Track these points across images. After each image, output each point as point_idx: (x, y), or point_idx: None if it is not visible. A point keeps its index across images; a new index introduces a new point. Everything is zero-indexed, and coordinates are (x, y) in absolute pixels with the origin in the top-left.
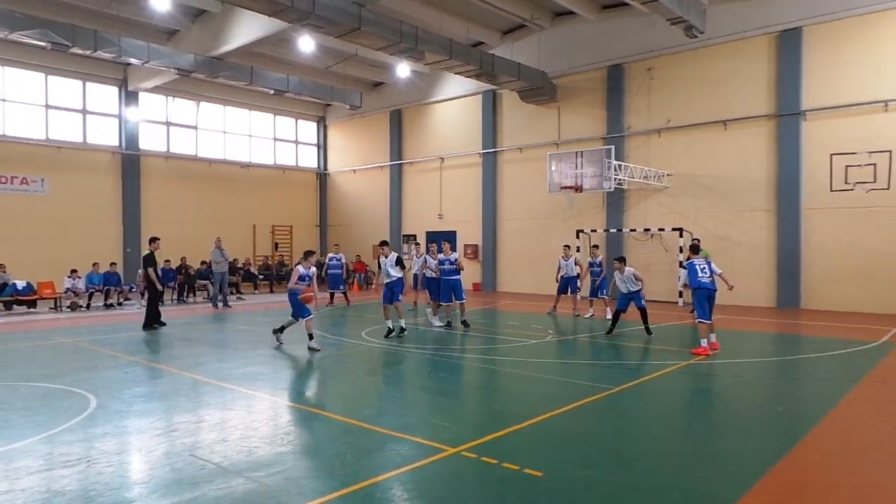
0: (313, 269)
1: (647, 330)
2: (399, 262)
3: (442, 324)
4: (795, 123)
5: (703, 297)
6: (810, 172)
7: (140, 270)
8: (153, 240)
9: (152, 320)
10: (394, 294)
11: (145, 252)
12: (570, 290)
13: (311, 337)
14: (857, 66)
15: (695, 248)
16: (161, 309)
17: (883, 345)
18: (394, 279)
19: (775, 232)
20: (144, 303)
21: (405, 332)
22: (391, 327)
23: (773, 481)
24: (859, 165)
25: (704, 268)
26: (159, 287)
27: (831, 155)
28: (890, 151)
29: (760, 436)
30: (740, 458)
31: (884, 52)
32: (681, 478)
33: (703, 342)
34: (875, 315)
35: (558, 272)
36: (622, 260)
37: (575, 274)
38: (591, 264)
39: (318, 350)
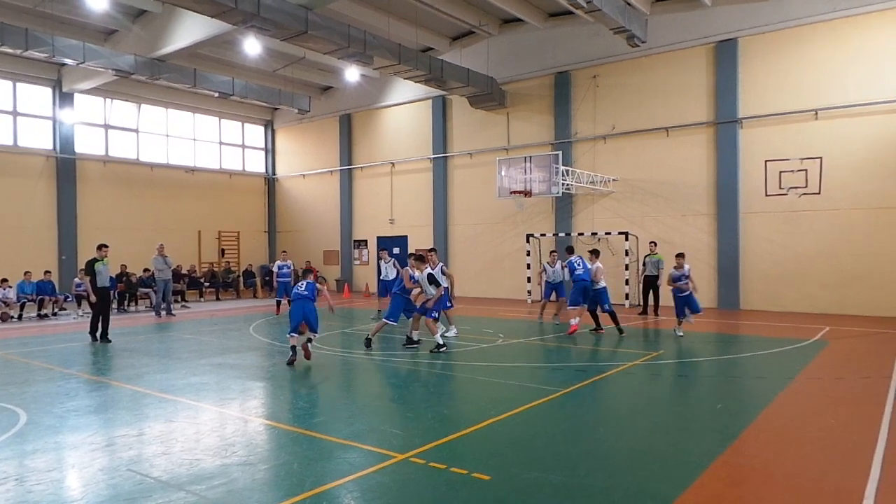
0: (425, 273)
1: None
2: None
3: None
4: (733, 131)
5: (579, 288)
6: (747, 178)
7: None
8: (101, 247)
9: (94, 330)
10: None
11: (89, 259)
12: (556, 295)
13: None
14: (790, 76)
15: (570, 249)
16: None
17: (815, 343)
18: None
19: (715, 235)
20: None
21: (418, 344)
22: (440, 342)
23: (712, 476)
24: (792, 171)
25: (580, 263)
26: (92, 298)
27: (766, 161)
28: (820, 158)
29: (701, 433)
30: (681, 455)
31: (815, 63)
32: (624, 477)
33: (574, 321)
34: (807, 314)
35: (541, 277)
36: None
37: (560, 280)
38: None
39: (444, 347)
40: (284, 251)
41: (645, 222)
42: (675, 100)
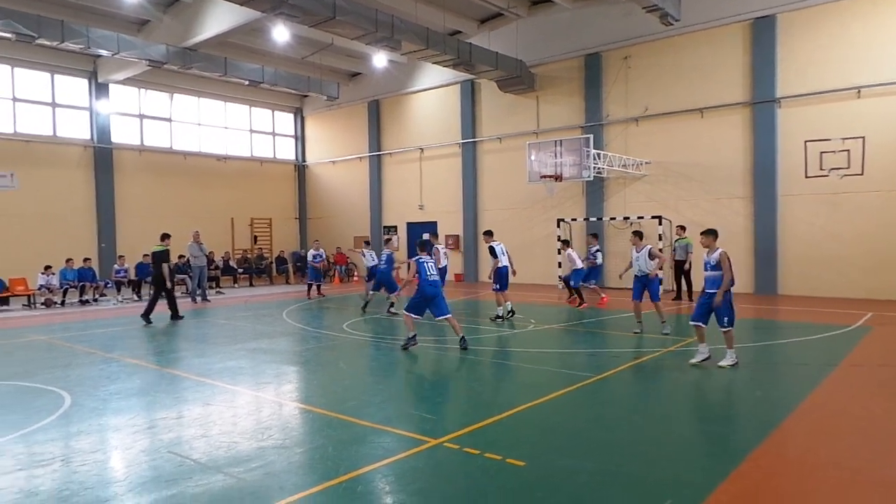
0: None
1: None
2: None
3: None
4: (770, 111)
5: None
6: (786, 159)
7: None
8: (164, 236)
9: (148, 314)
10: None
11: (158, 248)
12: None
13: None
14: (831, 52)
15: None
16: (160, 303)
17: (858, 329)
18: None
19: (752, 219)
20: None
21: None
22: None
23: (752, 466)
24: (833, 152)
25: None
26: (168, 284)
27: (806, 142)
28: (863, 137)
29: (739, 421)
30: (719, 444)
31: (857, 38)
32: (660, 465)
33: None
34: (850, 300)
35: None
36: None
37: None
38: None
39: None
40: (317, 240)
41: (679, 206)
42: (709, 80)
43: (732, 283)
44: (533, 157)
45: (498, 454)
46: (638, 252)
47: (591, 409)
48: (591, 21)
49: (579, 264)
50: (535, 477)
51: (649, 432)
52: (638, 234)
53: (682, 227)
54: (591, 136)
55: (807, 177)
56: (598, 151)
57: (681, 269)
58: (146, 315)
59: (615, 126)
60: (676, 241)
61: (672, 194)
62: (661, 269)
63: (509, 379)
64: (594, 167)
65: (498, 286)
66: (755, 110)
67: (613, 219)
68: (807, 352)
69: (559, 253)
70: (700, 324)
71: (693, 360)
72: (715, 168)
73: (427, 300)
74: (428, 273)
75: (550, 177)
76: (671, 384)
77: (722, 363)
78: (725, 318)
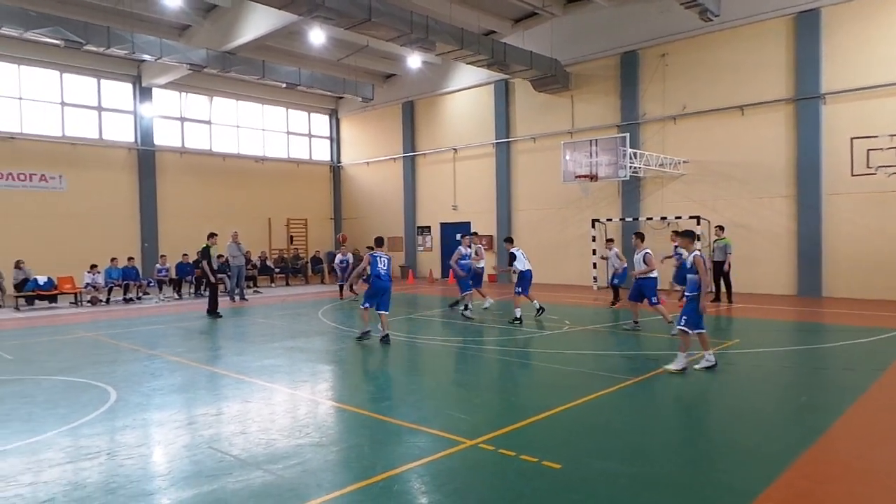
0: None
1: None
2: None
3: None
4: (815, 107)
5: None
6: (831, 157)
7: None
8: (211, 235)
9: (214, 307)
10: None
11: (203, 246)
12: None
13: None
14: (878, 46)
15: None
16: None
17: None
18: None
19: (795, 218)
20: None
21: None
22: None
23: (798, 473)
24: (881, 149)
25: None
26: (212, 279)
27: (852, 139)
28: None
29: (784, 426)
30: (763, 449)
31: None
32: (702, 470)
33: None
34: None
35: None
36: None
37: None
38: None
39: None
40: (344, 244)
41: (717, 205)
42: (750, 76)
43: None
44: (568, 157)
45: (534, 456)
46: (637, 254)
47: (629, 412)
48: (627, 19)
49: (625, 264)
50: (572, 480)
51: (689, 436)
52: (639, 236)
53: (721, 228)
54: (627, 135)
55: (853, 175)
56: (635, 150)
57: (720, 271)
58: (211, 311)
59: (652, 125)
60: (715, 241)
61: (710, 194)
62: (651, 272)
63: (544, 380)
64: (630, 166)
65: (520, 289)
66: (799, 107)
67: (650, 219)
68: (853, 356)
69: (609, 251)
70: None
71: (697, 366)
72: (756, 167)
73: (377, 293)
74: (380, 266)
75: (585, 177)
76: (711, 387)
77: (696, 366)
78: (684, 318)
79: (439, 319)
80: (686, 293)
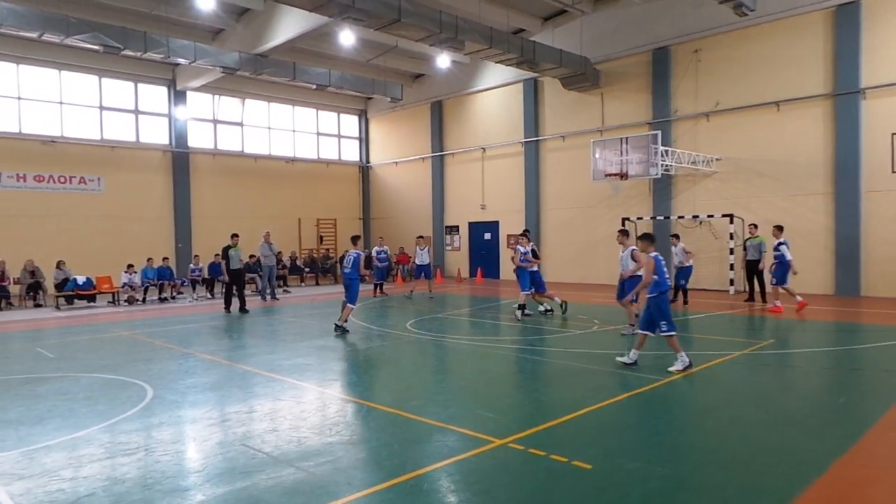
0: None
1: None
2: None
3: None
4: (854, 102)
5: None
6: (870, 153)
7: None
8: (233, 235)
9: (242, 305)
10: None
11: (224, 245)
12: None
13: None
14: None
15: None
16: (220, 300)
17: None
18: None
19: (833, 216)
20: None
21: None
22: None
23: (836, 476)
24: None
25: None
26: (224, 278)
27: (893, 134)
28: None
29: (821, 429)
30: (800, 451)
31: None
32: (736, 472)
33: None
34: None
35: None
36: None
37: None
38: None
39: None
40: (381, 237)
41: (751, 203)
42: (786, 71)
43: (665, 287)
44: (597, 155)
45: (564, 456)
46: (623, 251)
47: (660, 413)
48: (659, 15)
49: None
50: (603, 481)
51: (723, 437)
52: (624, 233)
53: (755, 226)
54: (659, 133)
55: (893, 171)
56: (666, 148)
57: (753, 270)
58: (241, 308)
59: (684, 122)
60: (748, 239)
61: (744, 191)
62: (640, 270)
63: (574, 380)
64: (662, 164)
65: (535, 288)
66: (837, 102)
67: (682, 217)
68: (893, 357)
69: (674, 246)
70: (647, 332)
71: (670, 368)
72: (791, 164)
73: (344, 287)
74: (345, 262)
75: (616, 175)
76: (745, 388)
77: (671, 368)
78: (663, 324)
79: (467, 319)
80: (648, 295)
